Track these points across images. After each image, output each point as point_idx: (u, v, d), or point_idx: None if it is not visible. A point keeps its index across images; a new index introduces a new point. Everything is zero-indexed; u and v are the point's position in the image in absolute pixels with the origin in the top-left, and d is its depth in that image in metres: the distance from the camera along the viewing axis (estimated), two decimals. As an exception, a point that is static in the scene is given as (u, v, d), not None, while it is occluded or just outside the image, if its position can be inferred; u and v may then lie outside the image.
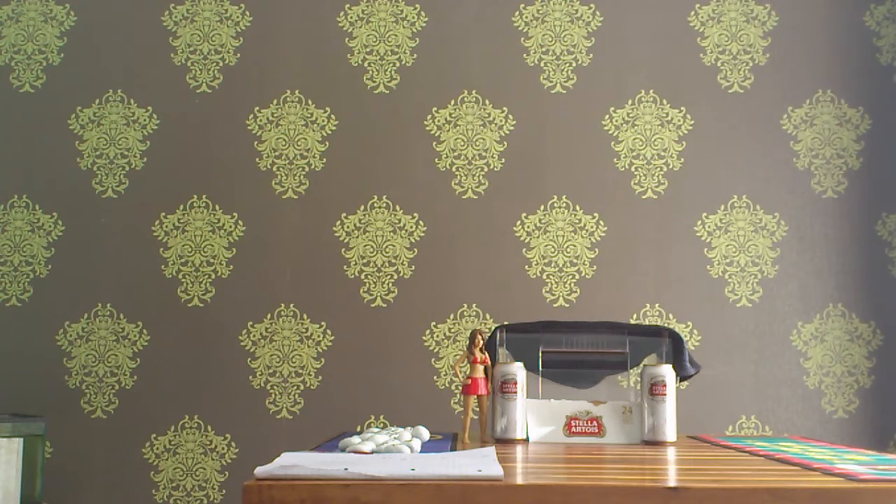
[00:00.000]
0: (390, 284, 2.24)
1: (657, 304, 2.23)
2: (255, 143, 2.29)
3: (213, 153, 2.28)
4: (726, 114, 2.28)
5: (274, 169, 2.28)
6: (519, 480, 0.90)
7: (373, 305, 2.23)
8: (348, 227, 2.26)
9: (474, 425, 1.51)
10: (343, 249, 2.25)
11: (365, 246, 2.25)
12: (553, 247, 2.25)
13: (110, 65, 2.32)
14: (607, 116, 2.29)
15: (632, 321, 2.21)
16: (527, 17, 2.32)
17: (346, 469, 0.88)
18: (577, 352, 1.49)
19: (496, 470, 0.91)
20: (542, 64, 2.30)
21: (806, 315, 2.23)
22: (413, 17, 2.32)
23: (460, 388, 1.88)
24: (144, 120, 2.30)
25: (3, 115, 2.30)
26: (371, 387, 2.20)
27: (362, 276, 2.24)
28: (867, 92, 2.29)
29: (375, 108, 2.29)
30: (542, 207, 2.26)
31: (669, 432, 1.39)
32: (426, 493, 0.85)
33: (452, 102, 2.29)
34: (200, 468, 2.20)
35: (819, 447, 1.31)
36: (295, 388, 2.21)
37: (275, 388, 2.21)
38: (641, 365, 1.46)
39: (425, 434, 1.31)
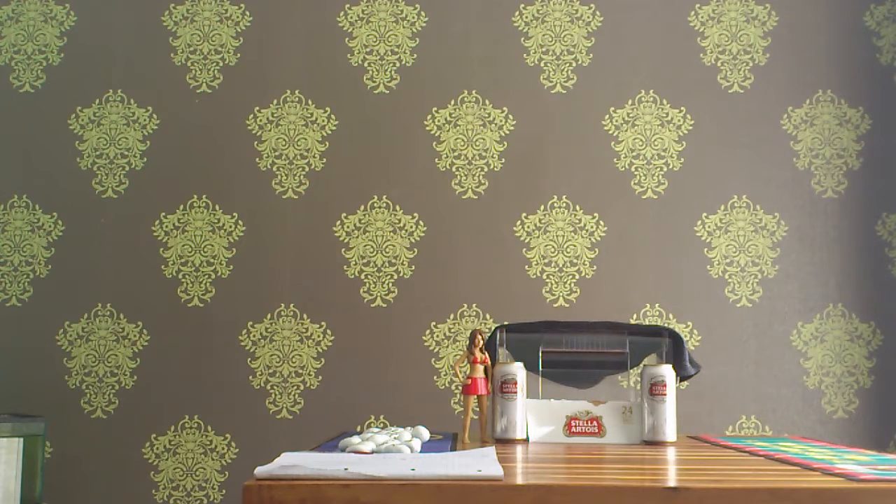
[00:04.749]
0: (390, 284, 2.24)
1: (657, 304, 2.23)
2: (255, 143, 2.29)
3: (213, 153, 2.28)
4: (726, 114, 2.28)
5: (274, 169, 2.28)
6: (519, 480, 0.90)
7: (373, 305, 2.23)
8: (348, 227, 2.26)
9: (474, 425, 1.51)
10: (343, 249, 2.25)
11: (365, 246, 2.25)
12: (553, 247, 2.25)
13: (110, 65, 2.32)
14: (607, 116, 2.29)
15: (632, 321, 2.21)
16: (527, 17, 2.32)
17: (346, 469, 0.88)
18: (577, 352, 1.49)
19: (496, 470, 0.91)
20: (542, 64, 2.30)
21: (806, 315, 2.23)
22: (413, 17, 2.32)
23: (460, 388, 1.88)
24: (144, 120, 2.30)
25: (3, 115, 2.30)
26: (371, 387, 2.20)
27: (362, 276, 2.24)
28: (867, 92, 2.29)
29: (375, 108, 2.29)
30: (542, 207, 2.26)
31: (669, 432, 1.39)
32: (426, 493, 0.85)
33: (452, 102, 2.29)
34: (200, 468, 2.20)
35: (819, 447, 1.31)
36: (295, 388, 2.21)
37: (275, 388, 2.21)
38: (641, 365, 1.46)
39: (425, 434, 1.31)
